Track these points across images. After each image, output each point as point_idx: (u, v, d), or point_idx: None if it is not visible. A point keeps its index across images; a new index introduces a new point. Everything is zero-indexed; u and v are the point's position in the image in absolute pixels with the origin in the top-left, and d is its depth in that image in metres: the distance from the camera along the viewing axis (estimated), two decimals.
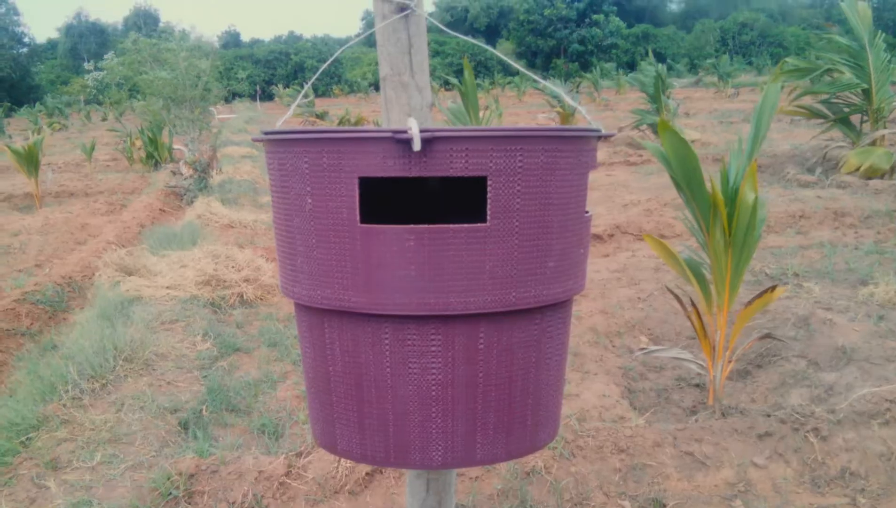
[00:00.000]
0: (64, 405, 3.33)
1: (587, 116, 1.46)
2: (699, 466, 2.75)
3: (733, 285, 3.17)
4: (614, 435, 2.91)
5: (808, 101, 9.29)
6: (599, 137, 1.35)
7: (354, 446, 1.35)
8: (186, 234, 6.69)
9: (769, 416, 3.00)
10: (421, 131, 1.12)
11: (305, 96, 24.04)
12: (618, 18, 67.22)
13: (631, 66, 58.59)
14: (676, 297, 3.26)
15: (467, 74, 7.99)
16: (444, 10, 79.47)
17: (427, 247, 1.18)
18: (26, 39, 71.08)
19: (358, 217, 1.20)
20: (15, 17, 69.67)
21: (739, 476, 2.70)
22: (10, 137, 17.01)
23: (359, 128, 1.20)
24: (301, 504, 2.67)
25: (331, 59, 1.66)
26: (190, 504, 2.65)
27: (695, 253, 3.49)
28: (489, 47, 1.71)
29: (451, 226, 1.18)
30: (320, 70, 1.58)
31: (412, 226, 1.18)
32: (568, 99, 1.43)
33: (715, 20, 68.78)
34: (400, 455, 1.31)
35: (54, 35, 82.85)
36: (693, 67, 55.59)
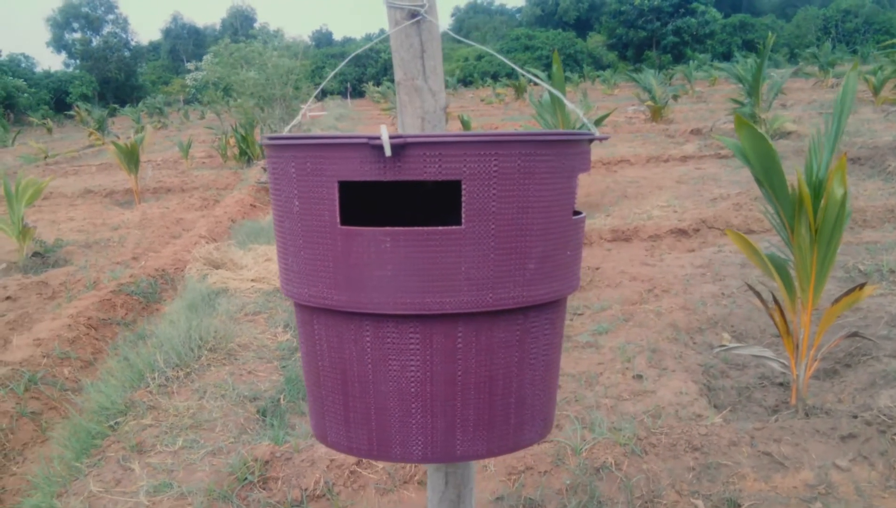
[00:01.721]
0: (150, 392, 3.47)
1: (584, 118, 1.45)
2: (777, 467, 2.66)
3: (818, 283, 3.05)
4: (688, 433, 2.84)
5: None
6: (591, 140, 1.34)
7: (342, 438, 1.39)
8: (272, 228, 6.86)
9: (855, 417, 2.87)
10: (392, 137, 1.15)
11: (384, 96, 24.23)
12: (714, 9, 65.39)
13: (727, 56, 56.97)
14: (757, 294, 3.16)
15: (556, 67, 7.95)
16: (535, 5, 79.06)
17: (403, 248, 1.20)
18: (133, 43, 74.47)
19: (338, 219, 1.23)
20: (124, 25, 73.23)
21: (820, 477, 2.60)
22: (116, 135, 17.83)
23: (339, 134, 1.23)
24: (371, 493, 2.71)
25: (343, 63, 1.68)
26: (264, 489, 2.72)
27: (779, 249, 3.37)
28: (495, 52, 1.71)
29: (426, 229, 1.20)
30: (332, 74, 1.59)
31: (388, 228, 1.21)
32: (569, 104, 1.42)
33: (818, 8, 66.16)
34: (382, 448, 1.35)
35: (157, 37, 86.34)
36: (792, 57, 53.65)
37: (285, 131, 1.51)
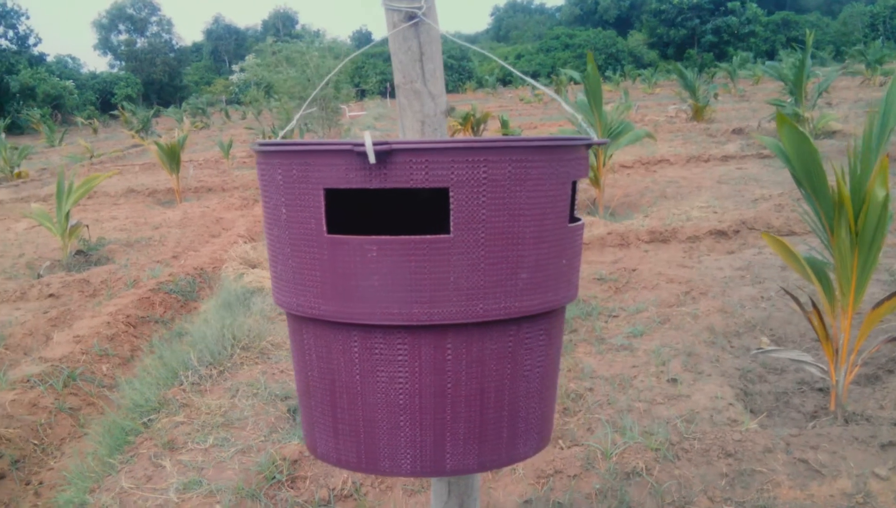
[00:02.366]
0: (184, 390, 3.51)
1: (583, 123, 1.40)
2: (813, 474, 2.60)
3: (859, 286, 2.97)
4: (722, 439, 2.79)
5: None
6: (590, 145, 1.30)
7: (331, 450, 1.37)
8: None
9: None
10: (377, 144, 1.12)
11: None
12: (755, 5, 64.38)
13: (770, 55, 56.08)
14: (794, 297, 3.09)
15: (590, 67, 7.89)
16: (574, 4, 78.65)
17: (389, 257, 1.18)
18: (176, 45, 75.79)
19: (325, 228, 1.21)
20: (167, 26, 74.69)
21: (858, 486, 2.53)
22: (159, 135, 18.17)
23: (325, 141, 1.20)
24: (398, 494, 2.70)
25: (341, 64, 1.67)
26: (292, 488, 2.73)
27: (819, 252, 3.29)
28: (493, 56, 1.68)
29: (413, 237, 1.17)
30: (329, 76, 1.57)
31: (374, 237, 1.18)
32: (566, 106, 1.38)
33: (864, 4, 64.81)
34: (371, 461, 1.32)
35: (199, 38, 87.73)
36: (839, 55, 52.57)
37: (279, 137, 1.49)
